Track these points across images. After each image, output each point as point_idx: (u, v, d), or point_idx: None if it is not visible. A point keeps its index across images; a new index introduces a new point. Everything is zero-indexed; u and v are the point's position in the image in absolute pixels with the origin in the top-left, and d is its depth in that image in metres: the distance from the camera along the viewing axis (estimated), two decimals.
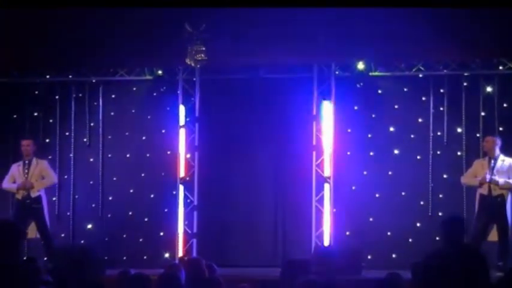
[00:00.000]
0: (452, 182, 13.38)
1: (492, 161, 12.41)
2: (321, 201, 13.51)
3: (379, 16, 12.00)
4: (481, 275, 7.10)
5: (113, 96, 14.70)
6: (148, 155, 14.44)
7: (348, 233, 13.63)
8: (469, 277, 7.03)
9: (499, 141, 12.58)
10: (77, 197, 14.60)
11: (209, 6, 11.53)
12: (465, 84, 13.75)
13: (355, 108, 13.95)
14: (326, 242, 13.21)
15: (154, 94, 14.46)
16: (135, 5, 11.43)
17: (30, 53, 13.23)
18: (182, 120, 13.92)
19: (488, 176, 12.27)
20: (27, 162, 13.15)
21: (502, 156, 12.44)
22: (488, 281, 7.04)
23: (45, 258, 12.35)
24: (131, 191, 14.48)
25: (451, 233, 7.44)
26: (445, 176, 13.72)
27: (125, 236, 14.35)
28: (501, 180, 12.24)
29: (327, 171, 13.48)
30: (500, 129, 13.49)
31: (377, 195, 13.80)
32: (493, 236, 12.40)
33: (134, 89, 14.62)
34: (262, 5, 11.06)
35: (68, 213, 14.49)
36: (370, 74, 13.58)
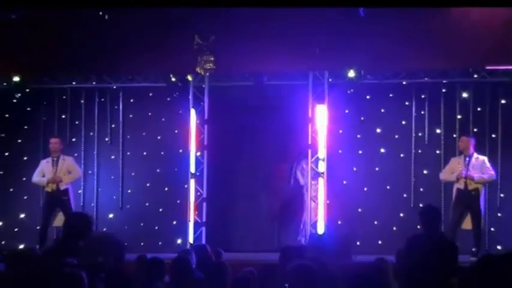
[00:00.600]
0: (432, 177, 13.39)
1: (467, 159, 12.41)
2: (315, 193, 13.49)
3: (368, 29, 12.01)
4: (452, 259, 7.32)
5: (132, 100, 14.70)
6: (162, 152, 14.45)
7: (339, 222, 13.61)
8: (442, 260, 7.16)
9: (473, 141, 12.58)
10: (99, 189, 14.61)
11: (214, 6, 11.34)
12: (443, 90, 13.74)
13: (346, 111, 13.94)
14: (320, 230, 13.19)
15: (168, 99, 14.45)
16: (153, 5, 11.18)
17: (59, 62, 13.23)
18: (193, 122, 13.89)
19: (464, 172, 12.27)
20: (55, 158, 13.14)
21: (475, 154, 12.44)
22: (456, 265, 7.28)
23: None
24: (148, 184, 14.48)
25: (428, 221, 7.70)
26: (425, 171, 13.72)
27: (142, 224, 14.35)
28: (476, 175, 12.24)
29: (321, 167, 13.46)
30: (475, 130, 13.49)
31: (365, 189, 13.80)
32: (468, 225, 12.40)
33: (150, 94, 14.61)
34: (264, 5, 10.88)
35: (92, 204, 14.49)
36: (360, 81, 13.55)
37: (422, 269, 7.09)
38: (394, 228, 13.60)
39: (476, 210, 12.29)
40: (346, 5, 10.91)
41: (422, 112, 13.85)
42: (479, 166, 12.34)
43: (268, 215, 13.98)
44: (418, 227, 12.88)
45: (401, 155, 13.84)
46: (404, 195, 13.70)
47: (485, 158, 12.51)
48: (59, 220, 13.10)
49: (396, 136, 13.90)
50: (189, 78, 13.85)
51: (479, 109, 13.64)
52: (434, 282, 7.16)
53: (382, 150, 13.93)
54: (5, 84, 14.18)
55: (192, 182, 13.81)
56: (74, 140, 14.64)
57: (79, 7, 10.42)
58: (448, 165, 12.71)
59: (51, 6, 10.67)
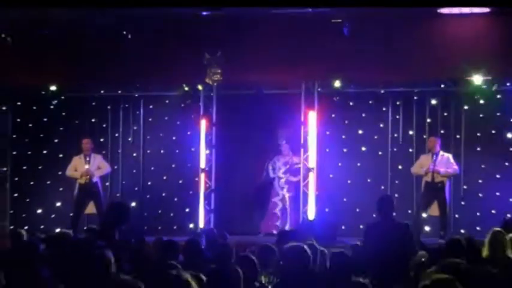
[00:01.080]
0: (405, 171, 13.35)
1: (434, 156, 12.40)
2: (307, 185, 13.47)
3: (352, 46, 12.00)
4: (407, 238, 7.27)
5: (151, 106, 14.68)
6: (177, 151, 14.43)
7: (327, 209, 13.58)
8: (398, 240, 7.16)
9: (439, 141, 12.60)
10: (124, 182, 14.60)
11: (214, 6, 11.10)
12: (415, 98, 13.72)
13: (333, 116, 13.92)
14: (311, 217, 13.17)
15: (182, 105, 14.42)
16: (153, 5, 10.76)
17: (89, 74, 13.23)
18: (203, 125, 13.86)
19: (431, 167, 12.27)
20: (87, 156, 13.14)
21: (441, 152, 12.44)
22: (412, 242, 7.38)
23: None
24: (164, 177, 14.47)
25: (383, 208, 7.69)
26: (400, 167, 13.69)
27: (159, 211, 14.35)
28: (442, 170, 12.23)
29: (312, 163, 13.43)
30: (442, 131, 13.47)
31: (349, 182, 13.78)
32: (435, 212, 12.39)
33: (167, 101, 14.59)
34: (264, 5, 10.69)
35: (117, 195, 14.48)
36: (344, 90, 13.53)
37: (383, 251, 7.09)
38: (374, 215, 13.50)
39: (442, 199, 12.30)
40: (345, 5, 10.70)
41: (397, 116, 13.83)
42: (445, 162, 12.35)
43: (244, 202, 14.00)
44: (394, 214, 13.03)
45: (380, 153, 13.82)
46: (382, 187, 13.67)
47: (450, 155, 12.51)
48: (90, 208, 13.11)
49: (375, 137, 13.87)
50: (200, 87, 13.82)
51: (445, 114, 13.62)
52: (396, 261, 7.15)
53: (363, 149, 13.91)
54: (43, 92, 14.20)
55: (202, 176, 13.79)
56: (102, 140, 14.62)
57: (79, 7, 10.28)
58: (418, 161, 12.70)
59: (52, 6, 10.37)
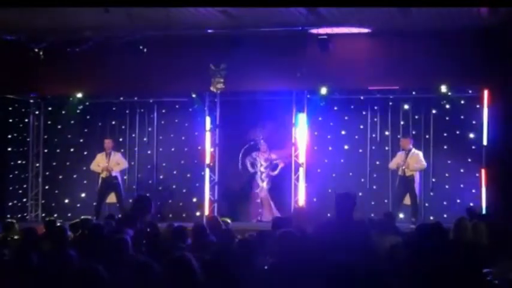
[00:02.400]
0: (382, 167, 13.39)
1: (406, 153, 12.42)
2: (297, 178, 13.48)
3: (335, 58, 11.97)
4: (366, 239, 5.86)
5: (163, 111, 14.67)
6: (186, 149, 14.42)
7: (314, 199, 13.60)
8: (352, 241, 5.70)
9: (411, 141, 12.62)
10: (139, 176, 14.58)
11: (214, 6, 11.02)
12: (390, 103, 13.73)
13: (320, 118, 13.91)
14: (301, 205, 13.18)
15: (190, 109, 14.40)
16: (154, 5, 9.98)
17: (111, 83, 13.20)
18: (208, 126, 13.86)
19: (402, 163, 12.28)
20: (108, 153, 13.15)
21: (413, 150, 12.46)
22: (371, 243, 6.00)
23: (119, 216, 12.29)
24: (175, 172, 14.47)
25: (340, 207, 6.16)
26: (377, 162, 13.71)
27: (170, 201, 14.34)
28: (411, 165, 12.27)
29: (302, 159, 13.45)
30: (413, 132, 13.49)
31: (333, 175, 13.78)
32: (407, 201, 12.41)
33: (177, 106, 14.58)
34: (264, 5, 10.37)
35: (134, 187, 14.46)
36: (330, 96, 13.53)
37: (336, 251, 5.22)
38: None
39: (412, 190, 12.32)
40: (344, 5, 10.67)
41: (375, 119, 13.84)
42: (415, 159, 12.36)
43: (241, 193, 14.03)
44: (373, 203, 13.07)
45: (360, 150, 13.83)
46: (362, 180, 13.69)
47: (420, 153, 12.55)
48: (111, 198, 13.11)
49: (356, 136, 13.88)
50: (209, 93, 13.75)
51: (416, 117, 13.63)
52: (348, 262, 5.52)
53: (346, 147, 13.91)
54: (71, 99, 14.17)
55: (207, 171, 13.78)
56: (121, 139, 14.61)
57: (79, 6, 9.96)
58: (394, 158, 12.71)
59: (52, 5, 9.87)
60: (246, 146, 13.97)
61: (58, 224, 8.87)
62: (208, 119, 13.91)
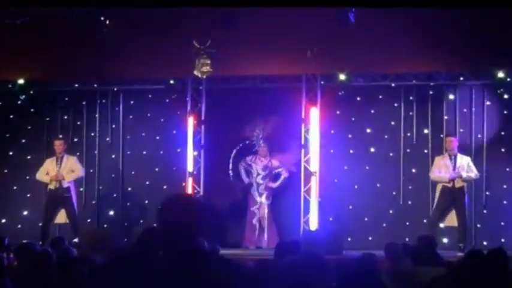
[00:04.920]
0: (420, 175, 13.38)
1: (453, 158, 12.40)
2: (308, 191, 13.47)
3: (359, 34, 11.97)
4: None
5: (132, 102, 14.67)
6: (161, 152, 14.41)
7: (331, 218, 13.60)
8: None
9: (458, 142, 12.60)
10: (100, 188, 14.57)
11: (214, 5, 11.25)
12: (431, 92, 13.73)
13: (337, 112, 13.92)
14: (313, 227, 13.17)
15: (167, 100, 14.41)
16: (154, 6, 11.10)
17: (61, 66, 13.19)
18: (190, 123, 13.86)
19: (455, 174, 12.23)
20: (59, 158, 13.14)
21: (459, 154, 12.45)
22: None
23: (75, 240, 12.25)
24: (147, 182, 14.45)
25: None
26: (413, 170, 13.70)
27: (141, 221, 14.28)
28: (464, 174, 12.25)
29: (314, 166, 13.45)
30: (461, 130, 13.49)
31: (356, 187, 13.77)
32: (453, 221, 12.37)
33: (150, 96, 14.58)
34: (264, 5, 10.78)
35: (93, 202, 14.46)
36: (350, 84, 13.52)
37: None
38: (384, 225, 13.59)
39: (461, 207, 12.30)
40: (346, 5, 10.70)
41: (410, 113, 13.83)
42: (465, 165, 12.35)
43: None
44: (407, 223, 13.07)
45: (391, 154, 13.82)
46: (394, 193, 13.68)
47: (468, 158, 12.54)
48: (61, 217, 13.07)
49: (385, 136, 13.88)
50: (192, 79, 13.70)
51: (465, 110, 13.63)
52: None
53: (372, 150, 13.90)
54: (10, 86, 14.15)
55: (190, 181, 13.79)
56: (76, 140, 14.59)
57: (78, 7, 10.37)
58: (434, 165, 12.64)
59: (51, 5, 10.57)
60: (238, 147, 13.96)
61: None
62: (190, 113, 13.90)
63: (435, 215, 12.45)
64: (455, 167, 12.27)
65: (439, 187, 12.45)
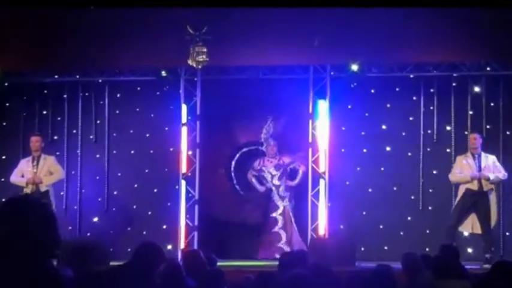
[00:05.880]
0: (442, 177, 13.36)
1: (477, 158, 12.37)
2: (316, 195, 13.49)
3: (372, 19, 11.97)
4: None
5: (118, 95, 14.70)
6: (151, 151, 14.44)
7: (342, 226, 13.63)
8: None
9: (481, 139, 12.58)
10: (83, 191, 14.59)
11: (211, 6, 11.46)
12: (454, 84, 13.75)
13: (349, 107, 13.95)
14: (321, 235, 13.18)
15: (158, 93, 14.45)
16: (139, 6, 11.36)
17: (40, 54, 13.19)
18: (184, 118, 13.89)
19: (478, 173, 12.20)
20: (36, 157, 13.13)
21: (483, 154, 12.41)
22: None
23: None
24: (135, 185, 14.48)
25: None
26: (434, 171, 13.73)
27: (129, 228, 14.35)
28: (492, 175, 12.21)
29: (322, 167, 13.47)
30: (488, 127, 13.52)
31: (370, 190, 13.81)
32: (477, 228, 12.32)
33: (138, 88, 14.61)
34: (264, 5, 10.92)
35: (75, 207, 14.48)
36: (364, 74, 13.52)
37: None
38: (401, 233, 13.61)
39: (486, 212, 12.21)
40: (348, 5, 10.86)
41: (431, 107, 13.87)
42: (491, 165, 12.32)
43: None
44: (428, 231, 13.08)
45: (409, 154, 13.85)
46: (412, 197, 13.70)
47: (494, 157, 12.51)
48: None
49: (403, 133, 13.91)
50: (186, 69, 13.76)
51: (492, 104, 13.66)
52: None
53: (388, 149, 13.94)
54: None
55: (183, 183, 13.81)
56: (55, 137, 14.63)
57: (78, 7, 10.48)
58: (455, 165, 12.61)
59: (50, 5, 10.67)
60: (237, 156, 14.00)
61: None
62: (184, 107, 13.93)
63: (453, 218, 12.34)
64: (480, 168, 12.24)
65: (461, 190, 12.39)
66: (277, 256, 13.01)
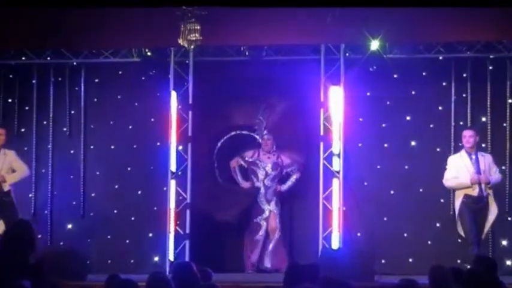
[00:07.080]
0: None
1: (473, 157, 12.42)
2: (329, 198, 13.48)
3: None
4: None
5: (96, 80, 14.74)
6: (135, 146, 14.48)
7: (359, 234, 13.67)
8: None
9: (478, 136, 12.68)
10: (55, 193, 14.63)
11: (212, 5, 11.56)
12: (491, 68, 13.79)
13: (368, 94, 13.98)
14: (335, 244, 13.19)
15: (143, 78, 14.47)
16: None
17: (3, 32, 13.18)
18: (174, 107, 13.88)
19: (478, 176, 12.26)
20: None
21: (479, 153, 12.55)
22: None
23: None
24: (116, 186, 14.52)
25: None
26: None
27: (109, 237, 14.39)
28: (493, 178, 12.31)
29: (336, 165, 13.46)
30: None
31: (392, 192, 13.84)
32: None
33: (120, 72, 14.65)
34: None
35: (46, 212, 14.53)
36: (385, 56, 13.52)
37: None
38: (429, 242, 13.61)
39: (484, 219, 12.44)
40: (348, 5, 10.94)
41: (463, 95, 13.90)
42: (488, 166, 12.45)
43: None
44: (459, 240, 13.08)
45: (438, 150, 13.88)
46: (442, 201, 13.71)
47: (490, 156, 12.70)
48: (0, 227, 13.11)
49: (431, 125, 13.95)
50: (175, 49, 13.81)
51: None
52: None
53: (413, 144, 13.98)
54: None
55: (173, 184, 13.82)
56: (23, 130, 14.69)
57: (77, 7, 10.71)
58: (448, 167, 12.69)
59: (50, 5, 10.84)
60: (229, 135, 14.02)
61: None
62: (174, 95, 13.93)
63: (469, 234, 12.33)
64: (479, 170, 12.33)
65: (458, 196, 12.49)
66: (255, 268, 13.26)
